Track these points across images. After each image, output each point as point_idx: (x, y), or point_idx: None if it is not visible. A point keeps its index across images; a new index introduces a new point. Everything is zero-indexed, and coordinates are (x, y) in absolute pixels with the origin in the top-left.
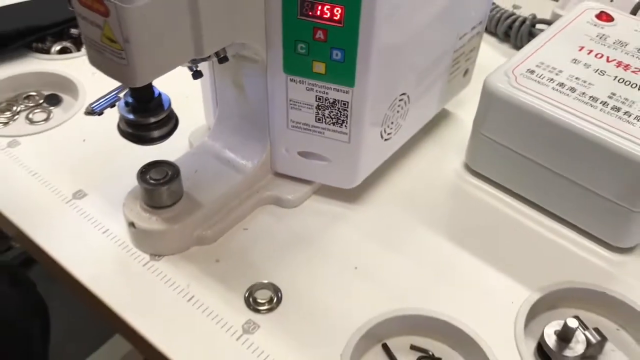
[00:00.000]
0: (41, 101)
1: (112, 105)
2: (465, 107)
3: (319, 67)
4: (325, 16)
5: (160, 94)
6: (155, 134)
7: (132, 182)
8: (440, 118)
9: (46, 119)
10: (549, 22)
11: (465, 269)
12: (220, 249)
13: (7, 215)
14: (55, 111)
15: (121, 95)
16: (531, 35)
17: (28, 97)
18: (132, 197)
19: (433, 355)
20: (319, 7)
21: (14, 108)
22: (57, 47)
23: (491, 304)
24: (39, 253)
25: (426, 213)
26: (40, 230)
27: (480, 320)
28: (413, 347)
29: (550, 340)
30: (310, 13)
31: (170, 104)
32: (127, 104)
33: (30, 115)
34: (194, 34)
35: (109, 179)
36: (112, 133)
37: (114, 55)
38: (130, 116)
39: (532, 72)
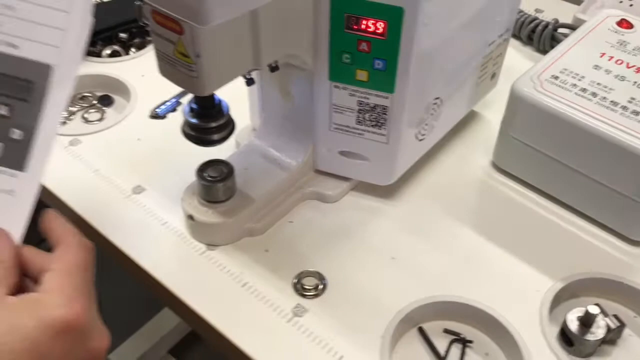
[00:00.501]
0: (95, 102)
1: (174, 110)
2: (491, 108)
3: (362, 75)
4: (369, 30)
5: (220, 101)
6: (215, 137)
7: (185, 177)
8: (468, 118)
9: (100, 119)
10: (570, 27)
11: (493, 259)
12: (268, 240)
13: (75, 209)
14: (108, 111)
15: (181, 100)
16: (554, 39)
17: (83, 98)
18: (189, 193)
19: (465, 338)
20: (364, 22)
21: (71, 108)
22: (107, 51)
23: (518, 292)
24: (105, 244)
25: (456, 207)
26: (106, 223)
27: (508, 306)
28: (446, 331)
29: (573, 325)
30: (355, 27)
31: (228, 110)
32: (191, 109)
33: (86, 115)
34: (253, 49)
35: (164, 175)
36: (164, 133)
37: (185, 68)
38: (194, 120)
39: (557, 77)
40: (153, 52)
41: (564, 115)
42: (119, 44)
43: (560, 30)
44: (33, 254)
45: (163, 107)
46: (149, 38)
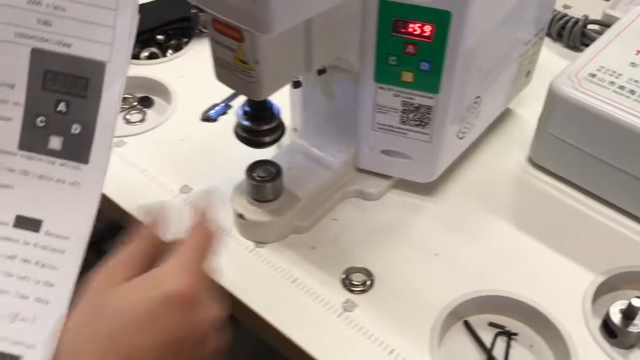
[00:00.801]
0: (135, 103)
1: (224, 113)
2: (524, 104)
3: (407, 77)
4: (416, 33)
5: (272, 104)
6: (267, 139)
7: (230, 177)
8: (502, 115)
9: (142, 120)
10: (600, 23)
11: (533, 254)
12: (314, 237)
13: (126, 208)
14: (149, 112)
15: (231, 104)
16: (584, 35)
17: (124, 100)
18: (238, 192)
19: (510, 331)
20: (411, 25)
21: None
22: (145, 53)
23: (559, 286)
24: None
25: (494, 203)
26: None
27: (551, 299)
28: (491, 324)
29: (616, 317)
30: (402, 30)
31: (280, 113)
32: (244, 112)
33: (128, 116)
34: (305, 54)
35: (208, 175)
36: (205, 133)
37: (243, 74)
38: (247, 123)
39: (594, 75)
40: (190, 53)
41: (603, 112)
42: (156, 46)
43: (590, 26)
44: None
45: (214, 110)
46: (184, 39)
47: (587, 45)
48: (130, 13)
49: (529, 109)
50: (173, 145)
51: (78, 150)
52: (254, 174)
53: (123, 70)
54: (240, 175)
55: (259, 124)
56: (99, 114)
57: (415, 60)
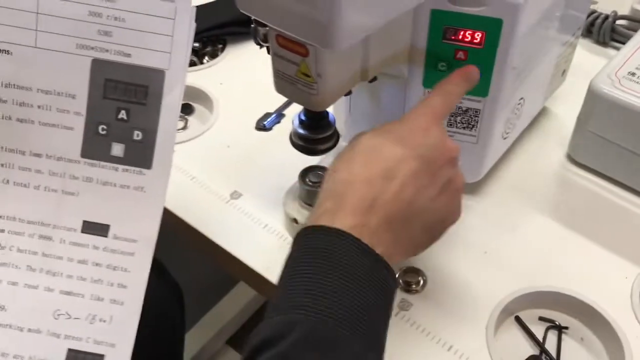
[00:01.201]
0: None
1: (278, 122)
2: (558, 101)
3: None
4: (466, 39)
5: (328, 113)
6: (322, 147)
7: (277, 181)
8: (539, 112)
9: (184, 127)
10: (630, 18)
11: (577, 249)
12: None
13: (180, 215)
14: (191, 119)
15: (284, 112)
16: (613, 31)
17: None
18: (290, 197)
19: (560, 325)
20: (462, 33)
21: None
22: None
23: (606, 279)
24: (212, 248)
25: (537, 200)
26: (211, 228)
27: (599, 293)
28: (541, 319)
29: None
30: (453, 37)
31: (335, 122)
32: (300, 121)
33: None
34: (362, 66)
35: (256, 180)
36: (251, 139)
37: (305, 87)
38: (304, 132)
39: (633, 74)
40: (227, 60)
41: None
42: (193, 53)
43: (619, 21)
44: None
45: (268, 120)
46: (220, 45)
47: (616, 41)
48: (187, 22)
49: (563, 106)
50: (220, 151)
51: (141, 156)
52: (307, 179)
53: (181, 77)
54: (288, 179)
55: (316, 133)
56: (160, 120)
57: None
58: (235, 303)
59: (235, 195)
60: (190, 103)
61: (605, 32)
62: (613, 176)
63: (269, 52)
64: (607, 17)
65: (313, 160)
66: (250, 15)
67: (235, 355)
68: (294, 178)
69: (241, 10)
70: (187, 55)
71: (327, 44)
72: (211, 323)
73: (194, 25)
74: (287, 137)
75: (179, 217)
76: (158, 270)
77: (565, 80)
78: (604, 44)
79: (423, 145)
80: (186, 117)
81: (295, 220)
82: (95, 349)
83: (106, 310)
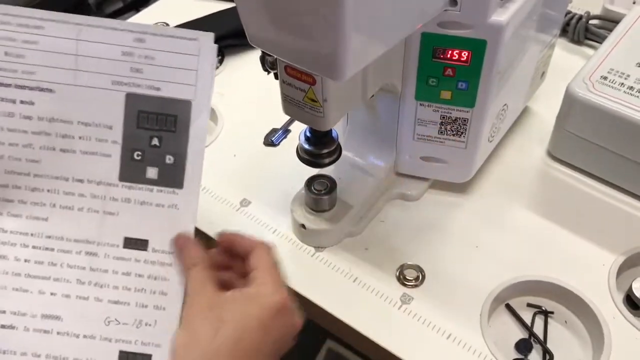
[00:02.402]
0: None
1: (285, 137)
2: (538, 101)
3: (446, 95)
4: (454, 58)
5: (331, 130)
6: (326, 160)
7: (283, 189)
8: (520, 113)
9: None
10: (602, 18)
11: (560, 239)
12: (366, 239)
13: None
14: None
15: (290, 128)
16: (587, 30)
17: None
18: (297, 204)
19: (546, 310)
20: (450, 52)
21: None
22: None
23: (586, 266)
24: None
25: (521, 195)
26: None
27: (580, 279)
28: (529, 305)
29: (638, 291)
30: (442, 56)
31: (337, 137)
32: (307, 138)
33: None
34: (362, 88)
35: (263, 188)
36: (256, 148)
37: (312, 110)
38: (309, 147)
39: (605, 78)
40: (226, 71)
41: (616, 112)
42: None
43: (592, 21)
44: (239, 239)
45: (275, 136)
46: (218, 57)
47: (590, 40)
48: (210, 57)
49: (542, 105)
50: (227, 161)
51: (173, 177)
52: (312, 187)
53: (207, 105)
54: (294, 187)
55: (320, 148)
56: (189, 144)
57: (453, 81)
58: None
59: (244, 202)
60: None
61: (579, 31)
62: (590, 171)
63: (276, 78)
64: (580, 17)
65: (317, 169)
66: (262, 50)
67: None
68: (299, 185)
69: (253, 45)
70: (211, 86)
71: (334, 76)
72: None
73: (216, 59)
74: (292, 149)
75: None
76: None
77: (544, 80)
78: (578, 42)
79: None
80: None
81: (303, 226)
82: (143, 350)
83: (150, 316)
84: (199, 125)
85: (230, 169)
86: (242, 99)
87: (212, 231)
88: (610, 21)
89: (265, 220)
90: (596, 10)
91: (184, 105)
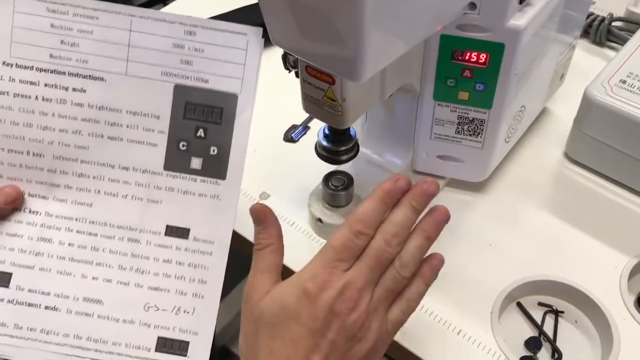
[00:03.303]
0: None
1: (304, 134)
2: (557, 102)
3: (464, 95)
4: (472, 60)
5: (349, 128)
6: (343, 158)
7: (301, 184)
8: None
9: None
10: (625, 20)
11: (573, 241)
12: None
13: None
14: None
15: (309, 125)
16: (609, 32)
17: None
18: (314, 199)
19: (557, 309)
20: (468, 54)
21: None
22: None
23: (598, 268)
24: (246, 246)
25: (536, 195)
26: (246, 226)
27: (592, 280)
28: (540, 304)
29: None
30: (460, 58)
31: (355, 135)
32: (325, 135)
33: None
34: (380, 88)
35: (282, 182)
36: (275, 143)
37: (331, 109)
38: (328, 145)
39: (624, 82)
40: None
41: (633, 116)
42: None
43: (614, 23)
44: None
45: (295, 132)
46: None
47: (613, 42)
48: (257, 51)
49: (561, 106)
50: (248, 155)
51: (216, 168)
52: (330, 183)
53: (252, 99)
54: (312, 181)
55: (338, 145)
56: (233, 137)
57: (471, 82)
58: None
59: (264, 196)
60: None
61: (601, 33)
62: (606, 173)
63: (297, 77)
64: (603, 19)
65: (335, 166)
66: (283, 49)
67: None
68: (317, 180)
69: (274, 44)
70: (257, 80)
71: (353, 77)
72: (236, 301)
73: (262, 54)
74: (311, 145)
75: None
76: None
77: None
78: (600, 44)
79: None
80: None
81: (319, 220)
82: (181, 337)
83: (189, 303)
84: (244, 118)
85: (251, 163)
86: (263, 95)
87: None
88: (634, 23)
89: (283, 213)
90: (620, 12)
91: (231, 98)
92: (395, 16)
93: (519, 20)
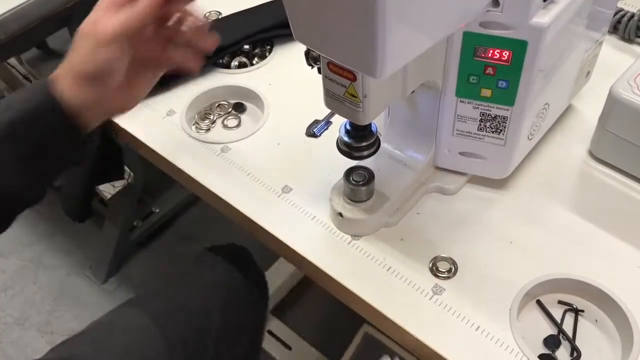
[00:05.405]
0: (230, 109)
1: (326, 129)
2: (583, 99)
3: (486, 92)
4: (495, 57)
5: (371, 124)
6: (365, 153)
7: (322, 178)
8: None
9: (237, 125)
10: None
11: (595, 239)
12: (402, 230)
13: (240, 209)
14: (243, 117)
15: (331, 120)
16: (639, 29)
17: (219, 106)
18: (335, 193)
19: (577, 308)
20: (491, 51)
21: (211, 117)
22: (235, 62)
23: (621, 267)
24: (268, 237)
25: (560, 193)
26: (267, 219)
27: (613, 279)
28: (560, 302)
29: None
30: (483, 55)
31: (376, 131)
32: (346, 131)
33: (225, 122)
34: (402, 84)
35: (305, 176)
36: (298, 138)
37: (352, 105)
38: (349, 140)
39: None
40: (274, 61)
41: None
42: (244, 55)
43: None
44: None
45: (317, 127)
46: (267, 46)
47: None
48: None
49: (587, 104)
50: (271, 149)
51: None
52: (351, 178)
53: None
54: (334, 176)
55: (359, 141)
56: None
57: (493, 79)
58: (278, 276)
59: (286, 189)
60: (243, 102)
61: (630, 30)
62: (631, 172)
63: (319, 72)
64: (632, 15)
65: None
66: (305, 45)
67: (279, 324)
68: (339, 175)
69: (297, 41)
70: None
71: (374, 74)
72: None
73: None
74: (333, 140)
75: (241, 211)
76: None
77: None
78: (629, 40)
79: None
80: (240, 115)
81: (340, 215)
82: None
83: None
84: None
85: (274, 156)
86: (288, 89)
87: (255, 215)
88: None
89: (305, 207)
90: None
91: None
92: (417, 14)
93: (543, 17)
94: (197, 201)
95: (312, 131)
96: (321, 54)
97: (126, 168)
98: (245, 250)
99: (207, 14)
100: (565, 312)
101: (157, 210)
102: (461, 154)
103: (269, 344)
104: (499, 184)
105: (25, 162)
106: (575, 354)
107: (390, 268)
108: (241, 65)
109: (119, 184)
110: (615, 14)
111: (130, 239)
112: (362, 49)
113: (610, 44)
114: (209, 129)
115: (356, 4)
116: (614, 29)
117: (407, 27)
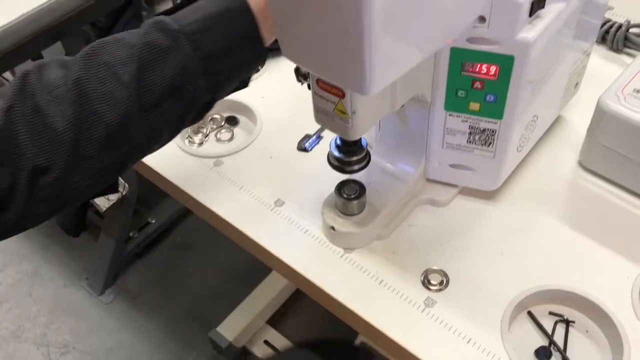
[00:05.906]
0: (223, 122)
1: (317, 144)
2: (571, 109)
3: (474, 106)
4: (482, 72)
5: (361, 138)
6: (356, 167)
7: (314, 192)
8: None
9: (231, 138)
10: None
11: (585, 250)
12: (394, 243)
13: (232, 223)
14: (236, 130)
15: (322, 135)
16: (627, 39)
17: (212, 120)
18: (327, 207)
19: (568, 319)
20: (478, 66)
21: (204, 130)
22: None
23: (610, 278)
24: (261, 251)
25: (549, 204)
26: (260, 233)
27: (603, 290)
28: (551, 313)
29: None
30: (470, 70)
31: (367, 145)
32: (337, 146)
33: (218, 135)
34: (390, 100)
35: (297, 189)
36: (290, 152)
37: (341, 121)
38: (339, 155)
39: (638, 91)
40: (267, 75)
41: None
42: None
43: (632, 30)
44: None
45: (309, 142)
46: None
47: (630, 49)
48: None
49: (576, 114)
50: (263, 162)
51: None
52: (343, 192)
53: None
54: (325, 190)
55: (350, 156)
56: None
57: (481, 93)
58: (273, 288)
59: (278, 202)
60: (235, 116)
61: (618, 40)
62: (620, 182)
63: (309, 88)
64: (620, 25)
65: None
66: (294, 63)
67: (275, 334)
68: (330, 189)
69: (286, 57)
70: None
71: (363, 91)
72: (253, 305)
73: None
74: (325, 154)
75: (232, 225)
76: None
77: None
78: (617, 51)
79: None
80: (232, 128)
81: (332, 228)
82: None
83: None
84: None
85: (267, 169)
86: (280, 103)
87: (247, 228)
88: None
89: (297, 220)
90: (638, 19)
91: None
92: (404, 31)
93: (529, 32)
94: (192, 211)
95: (303, 146)
96: (312, 72)
97: (121, 180)
98: None
99: None
100: (556, 323)
101: (153, 221)
102: (451, 166)
103: (264, 353)
104: (489, 195)
105: (209, 62)
106: None
107: (382, 281)
108: None
109: (113, 197)
110: (603, 24)
111: (126, 250)
112: (350, 66)
113: (598, 54)
114: (202, 143)
115: (343, 22)
116: (602, 40)
117: (394, 44)
